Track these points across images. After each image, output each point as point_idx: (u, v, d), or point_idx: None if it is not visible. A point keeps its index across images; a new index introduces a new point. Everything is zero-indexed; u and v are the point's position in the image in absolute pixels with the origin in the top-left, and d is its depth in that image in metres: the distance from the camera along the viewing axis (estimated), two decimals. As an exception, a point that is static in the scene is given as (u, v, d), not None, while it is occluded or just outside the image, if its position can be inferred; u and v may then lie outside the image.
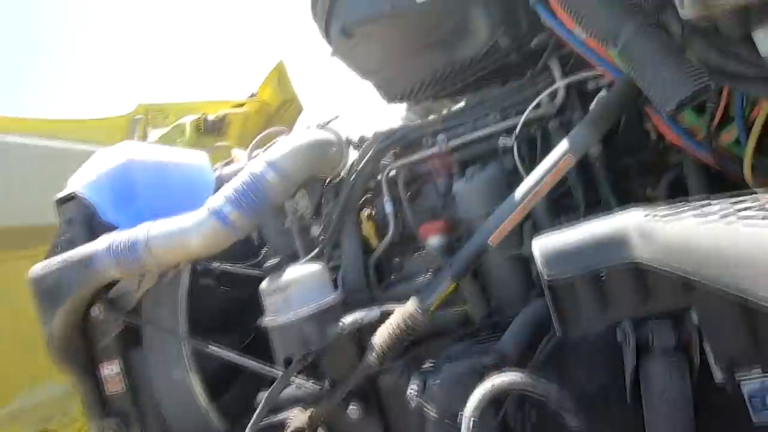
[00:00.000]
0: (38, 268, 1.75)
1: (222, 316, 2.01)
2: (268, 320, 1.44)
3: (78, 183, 1.81)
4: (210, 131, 3.84)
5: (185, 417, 1.88)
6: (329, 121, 1.86)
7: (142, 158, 1.79)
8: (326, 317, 1.42)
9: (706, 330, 1.08)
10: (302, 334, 1.38)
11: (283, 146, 1.63)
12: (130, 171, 1.75)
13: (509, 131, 1.73)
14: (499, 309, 1.67)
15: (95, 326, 1.85)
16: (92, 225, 1.85)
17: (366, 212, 1.94)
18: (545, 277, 1.02)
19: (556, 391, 1.18)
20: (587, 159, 1.52)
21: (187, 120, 4.14)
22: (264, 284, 1.46)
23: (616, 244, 0.98)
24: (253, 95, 4.31)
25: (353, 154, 1.93)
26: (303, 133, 1.70)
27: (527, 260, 1.62)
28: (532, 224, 1.60)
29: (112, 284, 1.85)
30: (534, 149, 1.69)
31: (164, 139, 3.78)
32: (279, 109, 4.32)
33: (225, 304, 2.02)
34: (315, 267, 1.49)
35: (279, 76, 4.38)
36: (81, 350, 1.85)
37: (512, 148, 1.70)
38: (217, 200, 1.57)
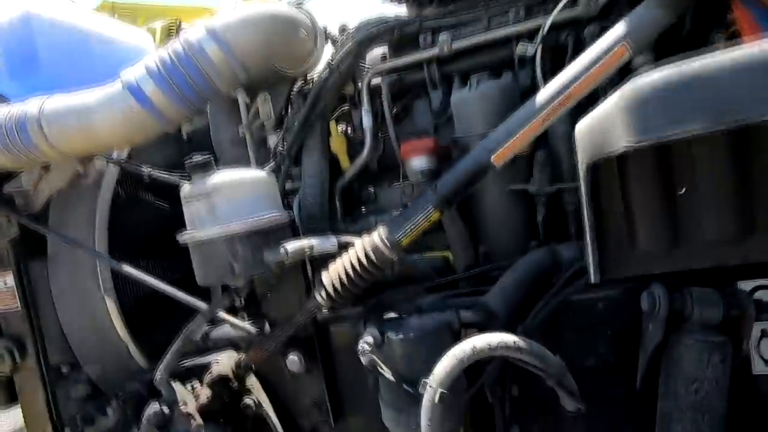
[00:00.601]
0: None
1: (152, 236, 1.64)
2: (186, 234, 1.08)
3: (-36, 39, 1.38)
4: (183, 39, 3.33)
5: (96, 348, 1.55)
6: (304, 1, 1.44)
7: (49, 16, 1.36)
8: (265, 240, 1.07)
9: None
10: (229, 256, 1.03)
11: (233, 12, 1.21)
12: (29, 29, 1.31)
13: (531, 36, 1.34)
14: (488, 258, 1.34)
15: (-18, 227, 1.48)
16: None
17: (339, 128, 1.55)
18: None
19: (557, 365, 0.87)
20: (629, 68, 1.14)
21: (159, 25, 3.65)
22: (185, 187, 1.09)
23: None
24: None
25: (331, 52, 1.52)
26: (261, 3, 1.28)
27: (533, 198, 1.28)
28: (547, 154, 1.25)
29: (6, 178, 1.47)
30: (561, 62, 1.30)
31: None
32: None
33: (157, 221, 1.65)
34: (256, 172, 1.12)
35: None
36: (-35, 255, 1.49)
37: (533, 56, 1.31)
38: (134, 72, 1.17)
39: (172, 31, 3.77)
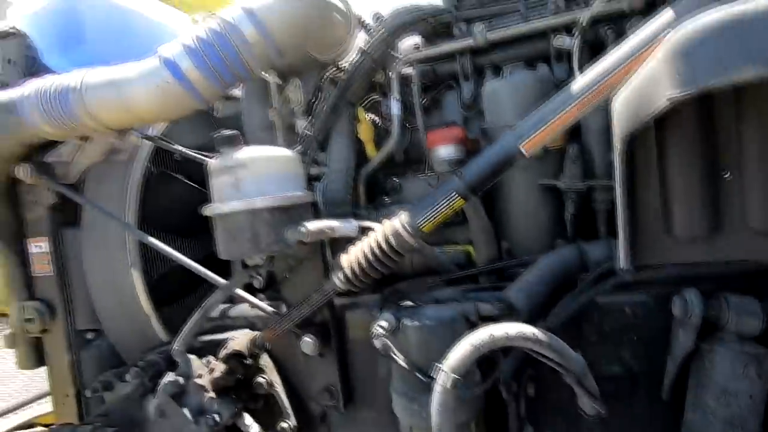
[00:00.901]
0: (-41, 108, 1.43)
1: (179, 213, 1.68)
2: (210, 207, 1.10)
3: (18, 15, 1.45)
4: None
5: (120, 318, 1.60)
6: (340, -13, 1.44)
7: (97, -7, 1.42)
8: (287, 217, 1.07)
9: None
10: (251, 231, 1.04)
11: (270, -6, 1.23)
12: (78, 7, 1.37)
13: (570, 29, 1.30)
14: (511, 254, 1.30)
15: (23, 193, 1.55)
16: (37, 68, 1.50)
17: (368, 116, 1.55)
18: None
19: (578, 362, 0.83)
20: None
21: (201, 17, 3.76)
22: (213, 161, 1.11)
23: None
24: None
25: (363, 39, 1.52)
26: (300, -15, 1.29)
27: (561, 195, 1.23)
28: (580, 149, 1.20)
29: (48, 148, 1.53)
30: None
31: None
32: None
33: (184, 199, 1.69)
34: (282, 150, 1.13)
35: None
36: (6, 220, 1.56)
37: (571, 49, 1.27)
38: (172, 48, 1.20)
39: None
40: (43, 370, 1.68)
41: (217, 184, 1.10)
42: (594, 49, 1.30)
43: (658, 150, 0.58)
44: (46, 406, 2.30)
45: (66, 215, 1.58)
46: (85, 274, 1.57)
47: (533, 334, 0.82)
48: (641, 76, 0.53)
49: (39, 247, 1.55)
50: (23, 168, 1.44)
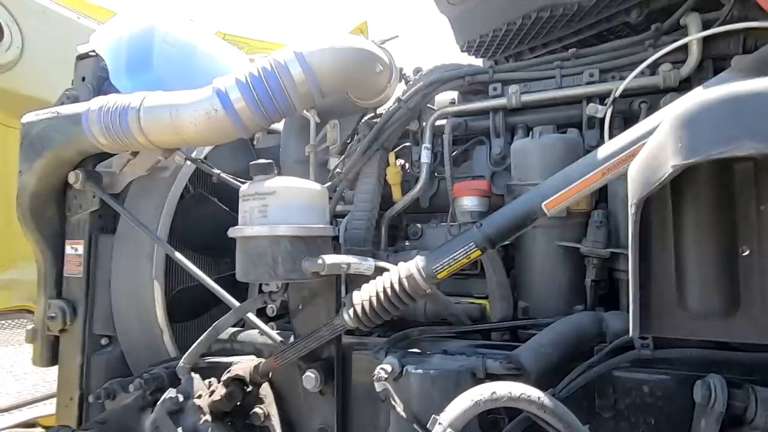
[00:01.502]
0: (31, 115, 1.59)
1: (207, 234, 1.75)
2: (236, 229, 1.14)
3: (99, 40, 1.63)
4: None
5: (135, 326, 1.64)
6: (387, 40, 1.55)
7: (169, 30, 1.57)
8: (307, 248, 1.10)
9: None
10: (270, 256, 1.07)
11: (321, 42, 1.33)
12: (150, 38, 1.53)
13: (603, 99, 1.33)
14: (527, 314, 1.27)
15: (71, 197, 1.66)
16: (104, 87, 1.66)
17: (398, 161, 1.60)
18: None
19: (583, 433, 0.78)
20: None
21: (259, 57, 4.06)
22: (244, 186, 1.17)
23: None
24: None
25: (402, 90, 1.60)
26: (348, 36, 1.40)
27: (583, 259, 1.21)
28: (605, 214, 1.19)
29: (102, 159, 1.66)
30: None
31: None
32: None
33: (214, 221, 1.76)
34: (311, 184, 1.18)
35: (360, 35, 4.20)
36: (52, 220, 1.67)
37: (603, 118, 1.30)
38: (225, 81, 1.31)
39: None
40: (53, 372, 1.72)
41: (245, 207, 1.15)
42: (626, 121, 1.32)
43: (674, 220, 0.58)
44: (50, 407, 2.32)
45: (104, 222, 1.68)
46: (110, 281, 1.64)
47: (538, 398, 0.79)
48: (651, 145, 0.54)
49: (75, 249, 1.64)
50: (76, 174, 1.56)
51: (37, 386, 2.59)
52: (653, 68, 1.28)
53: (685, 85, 1.24)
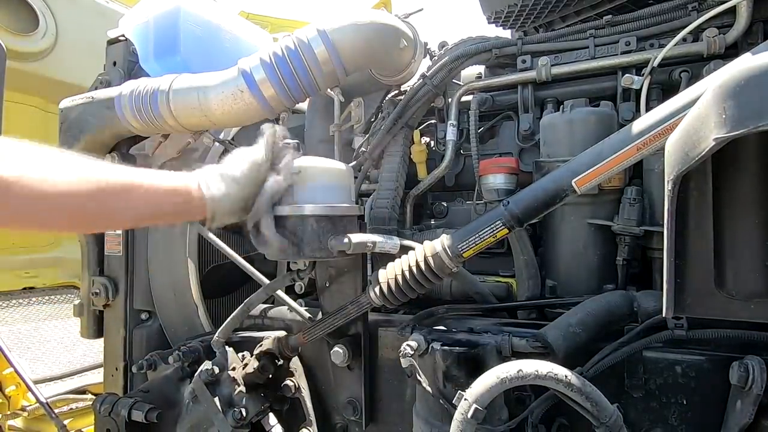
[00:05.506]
0: (68, 101, 1.64)
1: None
2: (263, 209, 1.16)
3: (128, 24, 1.66)
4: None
5: (172, 302, 1.72)
6: (411, 14, 1.51)
7: (193, 11, 1.58)
8: (332, 226, 1.11)
9: None
10: (295, 235, 1.09)
11: (343, 18, 1.31)
12: (176, 20, 1.54)
13: (640, 69, 1.26)
14: (555, 293, 1.25)
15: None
16: (135, 71, 1.70)
17: (423, 139, 1.58)
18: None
19: (612, 413, 0.78)
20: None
21: (282, 36, 4.05)
22: (271, 167, 1.18)
23: None
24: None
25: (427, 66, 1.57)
26: (371, 11, 1.36)
27: (615, 238, 1.18)
28: (640, 191, 1.15)
29: (136, 142, 1.71)
30: (670, 98, 1.21)
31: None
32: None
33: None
34: (337, 163, 1.18)
35: (383, 9, 4.11)
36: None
37: (639, 89, 1.23)
38: (250, 61, 1.31)
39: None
40: (99, 343, 1.84)
41: (272, 188, 1.16)
42: (664, 92, 1.25)
43: (714, 196, 0.55)
44: (98, 376, 2.49)
45: (140, 203, 1.74)
46: (149, 260, 1.71)
47: (565, 376, 0.78)
48: (691, 116, 0.51)
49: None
50: (112, 157, 1.62)
51: (85, 356, 2.77)
52: (696, 34, 1.20)
53: (731, 52, 1.16)
